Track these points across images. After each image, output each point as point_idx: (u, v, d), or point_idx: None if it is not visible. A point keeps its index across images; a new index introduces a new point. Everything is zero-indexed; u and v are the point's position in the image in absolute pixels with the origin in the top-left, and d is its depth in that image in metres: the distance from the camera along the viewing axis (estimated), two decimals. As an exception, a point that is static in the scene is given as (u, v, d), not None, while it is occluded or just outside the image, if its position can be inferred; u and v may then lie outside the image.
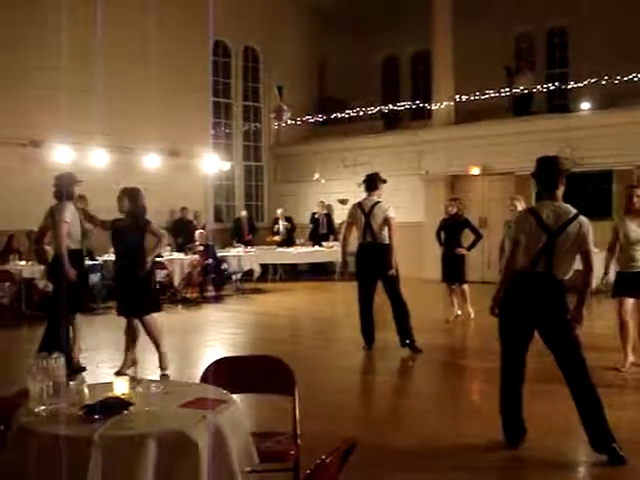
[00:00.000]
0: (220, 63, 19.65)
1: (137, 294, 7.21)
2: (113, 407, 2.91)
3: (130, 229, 7.23)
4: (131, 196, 7.23)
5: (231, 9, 17.82)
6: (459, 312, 10.92)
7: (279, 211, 18.46)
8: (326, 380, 7.33)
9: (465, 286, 10.89)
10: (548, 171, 5.03)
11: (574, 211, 4.91)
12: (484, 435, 5.24)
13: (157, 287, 7.88)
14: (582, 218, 4.88)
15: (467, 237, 10.82)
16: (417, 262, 15.71)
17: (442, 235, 10.95)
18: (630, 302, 7.14)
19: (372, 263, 8.45)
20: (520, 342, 5.00)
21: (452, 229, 10.84)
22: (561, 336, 4.87)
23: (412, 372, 8.15)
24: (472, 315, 10.76)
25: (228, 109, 20.11)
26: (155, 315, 7.35)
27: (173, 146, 17.00)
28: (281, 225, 18.27)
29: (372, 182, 8.67)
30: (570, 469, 4.80)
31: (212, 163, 18.14)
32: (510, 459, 4.89)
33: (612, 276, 7.42)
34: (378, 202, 8.53)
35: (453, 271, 10.77)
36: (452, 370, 8.10)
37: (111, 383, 3.22)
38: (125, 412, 2.90)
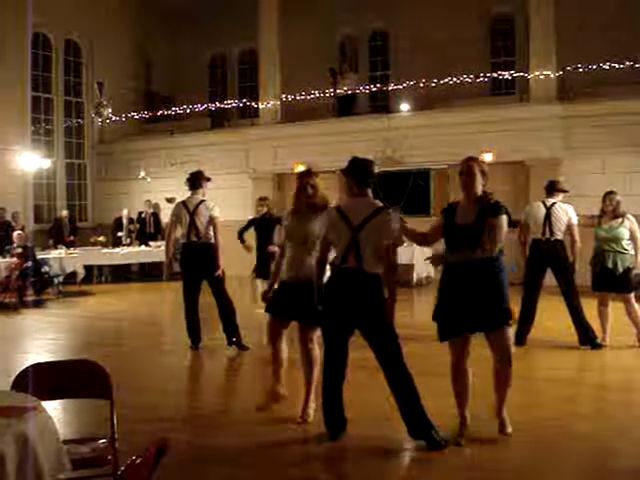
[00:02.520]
0: (40, 56, 18.80)
1: None
2: None
3: None
4: None
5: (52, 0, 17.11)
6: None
7: (124, 211, 17.88)
8: (152, 381, 7.22)
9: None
10: (362, 171, 5.11)
11: (379, 205, 4.98)
12: (307, 428, 5.36)
13: None
14: (387, 211, 4.92)
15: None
16: (246, 261, 15.76)
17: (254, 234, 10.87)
18: None
19: (197, 263, 8.40)
20: (339, 337, 5.09)
21: (263, 228, 10.79)
22: (376, 329, 4.95)
23: (239, 370, 8.19)
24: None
25: (48, 104, 19.28)
26: None
27: (-13, 142, 16.10)
28: (125, 226, 17.73)
29: (196, 180, 8.59)
30: (390, 456, 4.89)
31: (31, 160, 17.31)
32: (331, 450, 4.98)
33: None
34: (203, 201, 8.48)
35: (268, 269, 10.77)
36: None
37: None
38: None
